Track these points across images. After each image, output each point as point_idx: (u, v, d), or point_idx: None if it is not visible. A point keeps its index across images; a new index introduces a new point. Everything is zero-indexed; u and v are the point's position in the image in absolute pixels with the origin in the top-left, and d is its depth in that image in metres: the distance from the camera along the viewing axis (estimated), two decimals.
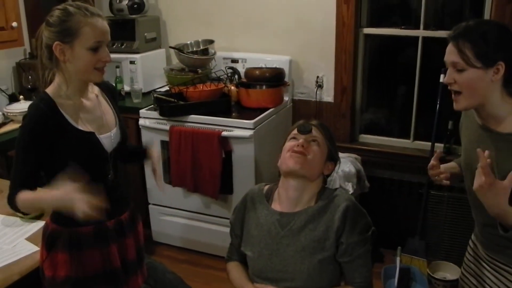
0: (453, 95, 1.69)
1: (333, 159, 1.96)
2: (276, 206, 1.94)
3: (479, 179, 1.55)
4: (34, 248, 2.03)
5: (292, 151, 1.85)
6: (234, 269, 2.04)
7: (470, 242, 1.99)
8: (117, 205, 1.96)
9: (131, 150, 2.26)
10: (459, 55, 1.62)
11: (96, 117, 1.89)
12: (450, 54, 1.65)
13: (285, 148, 1.90)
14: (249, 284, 1.93)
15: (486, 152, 1.53)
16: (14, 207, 1.79)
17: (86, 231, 1.85)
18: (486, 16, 3.19)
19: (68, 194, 1.64)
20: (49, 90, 1.81)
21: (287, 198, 1.91)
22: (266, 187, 2.04)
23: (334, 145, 1.97)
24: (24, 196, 1.74)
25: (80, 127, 1.81)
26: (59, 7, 1.78)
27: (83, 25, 1.73)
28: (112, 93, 2.06)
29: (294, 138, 1.91)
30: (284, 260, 1.85)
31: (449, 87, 1.69)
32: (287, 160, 1.86)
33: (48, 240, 1.87)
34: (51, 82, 1.84)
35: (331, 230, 1.81)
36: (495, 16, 3.09)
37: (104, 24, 1.79)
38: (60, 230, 1.85)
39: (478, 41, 1.60)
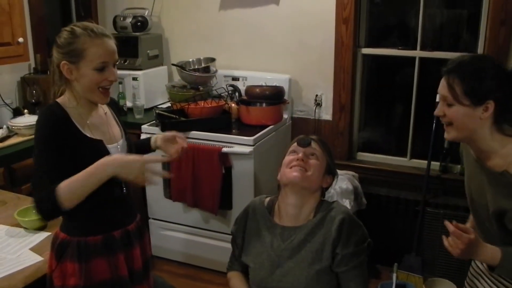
0: (444, 125, 1.75)
1: (331, 173, 2.01)
2: (277, 219, 1.99)
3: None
4: (38, 258, 2.06)
5: (292, 165, 1.91)
6: (235, 279, 2.08)
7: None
8: (125, 216, 2.01)
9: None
10: (449, 90, 1.66)
11: (103, 131, 1.94)
12: (442, 87, 1.70)
13: (284, 162, 1.96)
14: None
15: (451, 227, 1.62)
16: (48, 210, 1.74)
17: (94, 241, 1.89)
18: (481, 37, 3.27)
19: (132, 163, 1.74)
20: (60, 100, 1.87)
21: (286, 213, 1.96)
22: (267, 199, 2.08)
23: (332, 159, 2.02)
24: (67, 182, 1.71)
25: (89, 135, 1.86)
26: (66, 28, 1.84)
27: (89, 46, 1.78)
28: (117, 107, 2.13)
29: (294, 151, 1.96)
30: (284, 272, 1.90)
31: (440, 119, 1.75)
32: (287, 173, 1.91)
33: (58, 250, 1.90)
34: (61, 95, 1.89)
35: (327, 242, 1.86)
36: (489, 37, 3.17)
37: (110, 44, 1.84)
38: (69, 240, 1.89)
39: (468, 78, 1.63)
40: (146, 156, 1.82)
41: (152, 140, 2.24)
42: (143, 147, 2.28)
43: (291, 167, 1.90)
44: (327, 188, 2.03)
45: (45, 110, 1.84)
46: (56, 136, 1.78)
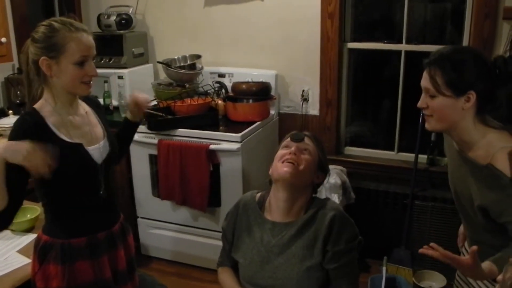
0: (425, 116, 1.76)
1: (323, 170, 2.01)
2: (268, 215, 1.98)
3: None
4: (26, 261, 2.05)
5: (284, 159, 1.90)
6: (225, 275, 2.07)
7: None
8: (108, 218, 2.00)
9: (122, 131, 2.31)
10: (431, 82, 1.67)
11: (84, 132, 1.91)
12: (424, 79, 1.71)
13: (277, 156, 1.95)
14: None
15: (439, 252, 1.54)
16: None
17: (78, 243, 1.87)
18: (466, 30, 3.28)
19: (18, 144, 1.63)
20: (37, 105, 1.83)
21: (277, 208, 1.95)
22: (258, 194, 2.08)
23: (325, 157, 2.02)
24: None
25: (68, 139, 1.83)
26: (44, 23, 1.81)
27: (69, 40, 1.76)
28: (98, 107, 2.10)
29: (286, 146, 1.96)
30: (274, 268, 1.89)
31: (422, 111, 1.75)
32: (278, 168, 1.90)
33: (40, 253, 1.88)
34: (40, 97, 1.85)
35: (318, 238, 1.86)
36: (474, 30, 3.18)
37: (89, 39, 1.82)
38: (52, 242, 1.86)
39: (449, 70, 1.65)
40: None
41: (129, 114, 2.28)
42: (127, 128, 2.30)
43: (283, 162, 1.89)
44: (318, 185, 2.03)
45: (19, 119, 1.81)
46: None
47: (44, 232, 1.91)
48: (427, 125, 1.77)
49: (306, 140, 1.97)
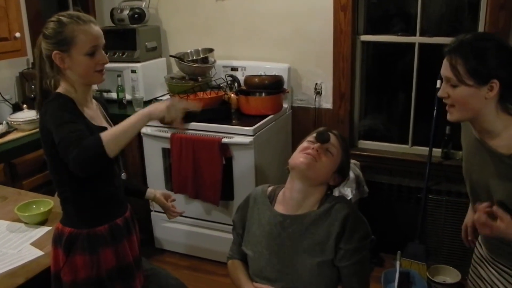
0: (447, 106, 1.70)
1: (343, 174, 1.96)
2: (279, 207, 1.96)
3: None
4: (39, 253, 2.06)
5: (305, 152, 1.88)
6: (235, 268, 2.06)
7: (477, 243, 2.00)
8: (122, 204, 2.06)
9: (134, 188, 2.42)
10: (452, 71, 1.61)
11: (98, 123, 1.96)
12: (445, 68, 1.65)
13: (300, 147, 1.93)
14: (249, 283, 1.96)
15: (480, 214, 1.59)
16: (92, 157, 1.68)
17: (102, 231, 1.92)
18: (481, 22, 3.24)
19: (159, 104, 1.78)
20: (60, 90, 1.88)
21: (291, 199, 1.93)
22: (270, 188, 2.06)
23: (348, 160, 1.97)
24: (110, 131, 1.72)
25: (95, 123, 1.89)
26: (52, 19, 1.87)
27: (78, 33, 1.82)
28: (104, 106, 2.15)
29: (311, 141, 1.92)
30: (283, 261, 1.88)
31: (443, 100, 1.69)
32: (297, 157, 1.88)
33: (66, 245, 1.89)
34: (55, 87, 1.90)
35: (331, 235, 1.84)
36: (489, 22, 3.14)
37: (97, 29, 1.88)
38: (77, 233, 1.89)
39: (471, 58, 1.58)
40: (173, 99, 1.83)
41: (150, 192, 2.41)
42: (135, 192, 2.39)
43: (303, 153, 1.87)
44: (334, 186, 1.99)
45: (55, 98, 1.84)
46: (73, 114, 1.80)
47: (66, 225, 1.92)
48: (449, 116, 1.70)
49: (333, 139, 1.91)
